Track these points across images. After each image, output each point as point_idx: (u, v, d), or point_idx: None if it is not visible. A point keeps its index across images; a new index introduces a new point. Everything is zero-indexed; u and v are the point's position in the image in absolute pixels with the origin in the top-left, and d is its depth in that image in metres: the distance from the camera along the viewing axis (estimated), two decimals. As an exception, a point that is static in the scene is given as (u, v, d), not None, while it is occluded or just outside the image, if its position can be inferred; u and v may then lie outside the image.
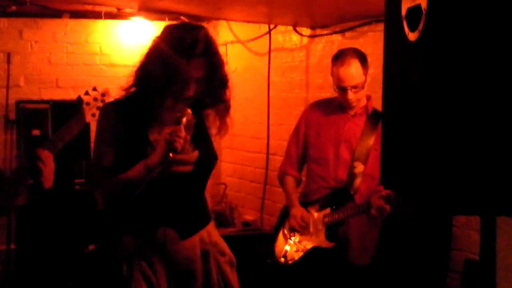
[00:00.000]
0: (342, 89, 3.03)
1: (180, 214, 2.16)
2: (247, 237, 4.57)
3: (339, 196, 3.10)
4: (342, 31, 4.26)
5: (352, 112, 3.15)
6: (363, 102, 3.16)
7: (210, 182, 2.30)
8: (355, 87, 3.01)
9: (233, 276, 2.28)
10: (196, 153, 2.03)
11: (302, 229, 3.16)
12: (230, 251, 2.31)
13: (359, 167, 3.07)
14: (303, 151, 3.29)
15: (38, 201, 2.24)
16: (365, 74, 3.05)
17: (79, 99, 2.15)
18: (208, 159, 2.19)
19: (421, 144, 1.25)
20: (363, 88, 3.05)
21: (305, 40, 4.65)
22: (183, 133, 1.94)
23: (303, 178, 3.38)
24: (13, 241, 4.74)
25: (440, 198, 1.20)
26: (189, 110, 1.99)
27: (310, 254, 3.14)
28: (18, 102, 4.90)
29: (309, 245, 3.15)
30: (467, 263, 3.28)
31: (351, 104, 3.10)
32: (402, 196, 1.52)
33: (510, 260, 1.48)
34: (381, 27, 3.91)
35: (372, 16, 3.91)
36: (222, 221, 5.25)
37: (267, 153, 4.98)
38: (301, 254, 3.16)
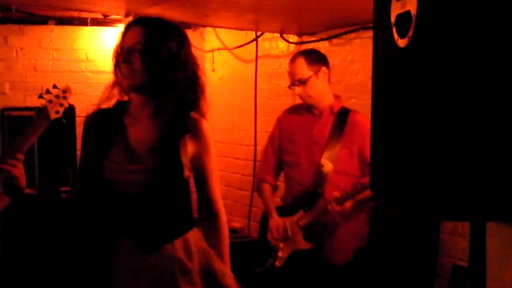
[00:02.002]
0: (292, 85, 3.25)
1: (141, 225, 2.09)
2: (234, 244, 4.52)
3: (309, 197, 3.20)
4: (329, 38, 4.28)
5: (317, 112, 3.28)
6: (328, 101, 3.28)
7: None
8: (299, 81, 3.20)
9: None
10: (154, 161, 2.07)
11: (276, 243, 3.25)
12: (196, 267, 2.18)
13: (327, 166, 3.17)
14: (279, 157, 3.39)
15: (20, 203, 2.24)
16: (313, 70, 3.22)
17: (41, 97, 2.15)
18: (171, 168, 2.11)
19: (410, 150, 1.25)
20: (307, 83, 3.20)
21: (292, 47, 4.66)
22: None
23: (279, 184, 3.49)
24: (-2, 250, 4.69)
25: (430, 203, 1.20)
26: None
27: (291, 258, 3.21)
28: (3, 110, 4.85)
29: (290, 250, 3.23)
30: (454, 269, 3.29)
31: (304, 101, 3.27)
32: (391, 202, 1.52)
33: (500, 265, 1.48)
34: (368, 34, 3.95)
35: (359, 23, 3.93)
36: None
37: (254, 160, 4.97)
38: (283, 260, 3.23)
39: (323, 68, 3.25)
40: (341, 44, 4.19)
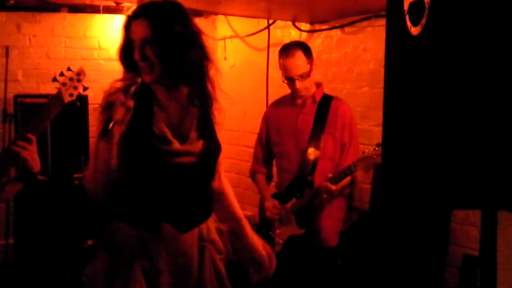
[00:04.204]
0: (290, 79, 3.28)
1: (183, 206, 2.13)
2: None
3: (299, 184, 3.31)
4: (341, 26, 4.26)
5: (300, 102, 3.36)
6: (312, 90, 3.37)
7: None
8: (301, 76, 3.25)
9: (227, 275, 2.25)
10: (200, 143, 2.10)
11: (277, 218, 3.38)
12: (226, 249, 2.29)
13: (313, 153, 3.28)
14: (267, 150, 3.55)
15: (33, 190, 2.23)
16: (310, 63, 3.29)
17: (55, 80, 2.14)
18: (212, 149, 2.17)
19: (422, 139, 1.25)
20: (309, 76, 3.28)
21: (304, 35, 4.65)
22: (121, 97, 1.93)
23: (273, 173, 3.63)
24: (11, 236, 4.74)
25: (441, 192, 1.20)
26: (138, 79, 1.99)
27: (287, 243, 3.35)
28: (16, 96, 4.88)
29: (286, 235, 3.36)
30: (465, 258, 3.29)
31: (300, 93, 3.33)
32: (403, 191, 1.52)
33: (510, 254, 1.48)
34: (380, 22, 3.93)
35: (371, 11, 3.91)
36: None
37: (266, 148, 4.98)
38: (281, 245, 3.36)
39: (314, 60, 3.33)
40: (354, 33, 4.17)
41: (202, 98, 2.14)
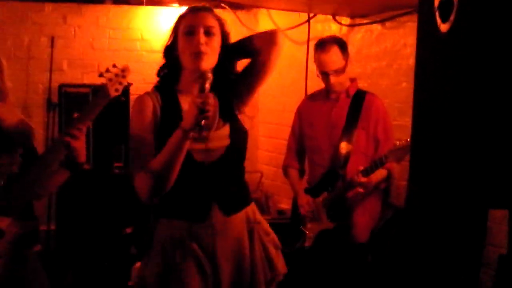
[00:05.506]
0: (325, 74, 3.29)
1: (226, 191, 2.20)
2: (281, 225, 4.58)
3: (330, 178, 3.33)
4: (381, 21, 4.22)
5: (334, 96, 3.38)
6: (346, 84, 3.39)
7: (246, 170, 2.33)
8: (336, 71, 3.27)
9: (277, 256, 2.30)
10: (227, 127, 2.18)
11: (311, 214, 3.39)
12: (273, 232, 2.35)
13: (346, 147, 3.29)
14: (300, 143, 3.56)
15: (77, 181, 2.33)
16: (345, 59, 3.31)
17: (101, 75, 2.22)
18: (241, 133, 2.25)
19: (454, 137, 1.25)
20: (343, 72, 3.30)
21: (344, 29, 4.62)
22: (212, 99, 2.02)
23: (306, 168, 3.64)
24: (53, 222, 4.87)
25: (471, 191, 1.20)
26: (210, 75, 2.07)
27: (318, 238, 3.37)
28: (61, 86, 5.02)
29: (317, 230, 3.38)
30: (501, 259, 3.24)
31: (334, 88, 3.35)
32: (433, 190, 1.52)
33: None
34: (421, 17, 3.88)
35: (412, 6, 3.86)
36: (258, 208, 5.29)
37: (303, 142, 4.98)
38: (312, 239, 3.39)
39: (349, 56, 3.35)
40: (394, 27, 4.13)
41: (220, 78, 2.22)
